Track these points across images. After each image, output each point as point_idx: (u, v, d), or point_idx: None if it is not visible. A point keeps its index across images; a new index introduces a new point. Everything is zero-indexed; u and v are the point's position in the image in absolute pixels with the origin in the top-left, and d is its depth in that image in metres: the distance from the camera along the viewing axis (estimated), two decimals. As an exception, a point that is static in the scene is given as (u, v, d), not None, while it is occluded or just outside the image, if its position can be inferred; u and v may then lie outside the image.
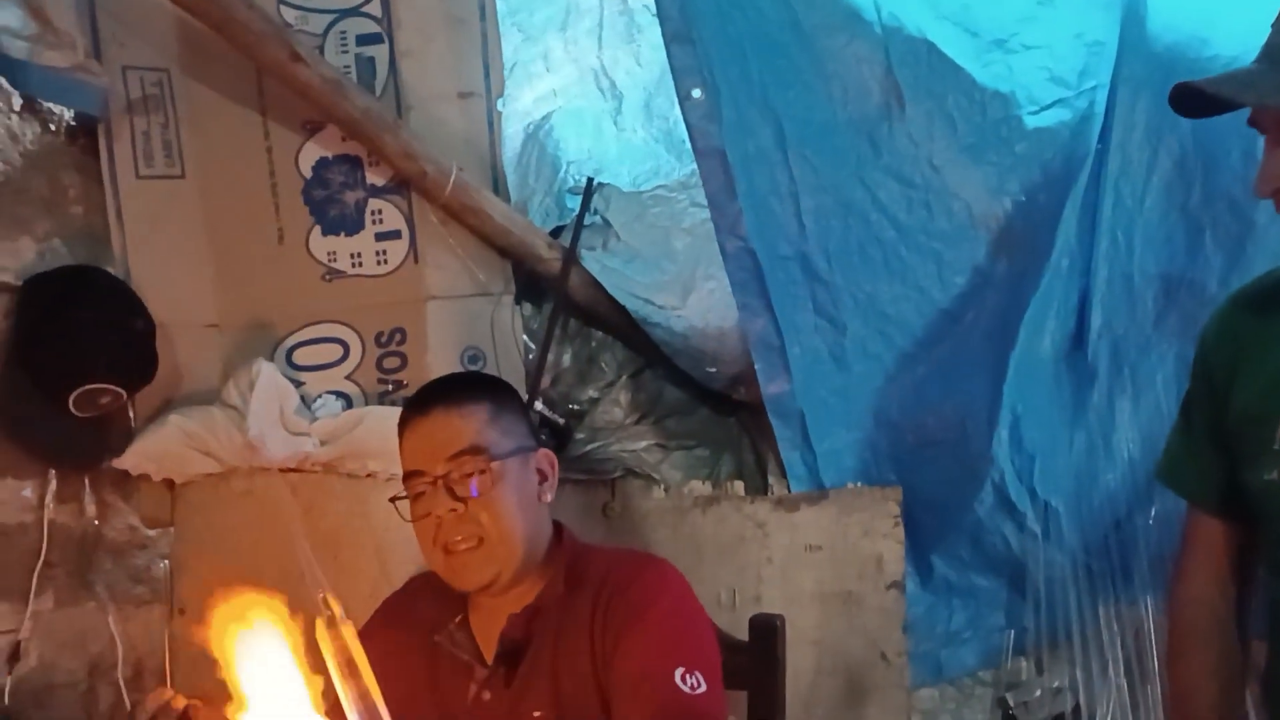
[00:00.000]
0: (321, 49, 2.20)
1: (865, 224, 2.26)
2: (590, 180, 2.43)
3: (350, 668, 1.06)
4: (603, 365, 2.44)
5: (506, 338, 2.31)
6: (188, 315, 2.21)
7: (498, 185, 2.32)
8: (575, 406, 2.40)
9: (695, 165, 2.23)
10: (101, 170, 2.14)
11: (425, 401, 1.45)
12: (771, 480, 2.35)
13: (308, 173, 2.25)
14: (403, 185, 2.25)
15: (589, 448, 2.36)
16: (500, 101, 2.34)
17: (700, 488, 2.32)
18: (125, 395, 2.04)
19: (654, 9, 2.16)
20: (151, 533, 2.21)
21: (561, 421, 2.36)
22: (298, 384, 2.20)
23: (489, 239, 2.29)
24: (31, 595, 2.03)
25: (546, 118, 2.57)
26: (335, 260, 2.25)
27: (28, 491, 2.05)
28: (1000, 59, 2.28)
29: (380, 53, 2.24)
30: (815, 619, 2.22)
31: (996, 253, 2.30)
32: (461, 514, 1.38)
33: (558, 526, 1.50)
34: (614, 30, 2.61)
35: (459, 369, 2.22)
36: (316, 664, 1.07)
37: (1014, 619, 2.38)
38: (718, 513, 2.28)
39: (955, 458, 2.27)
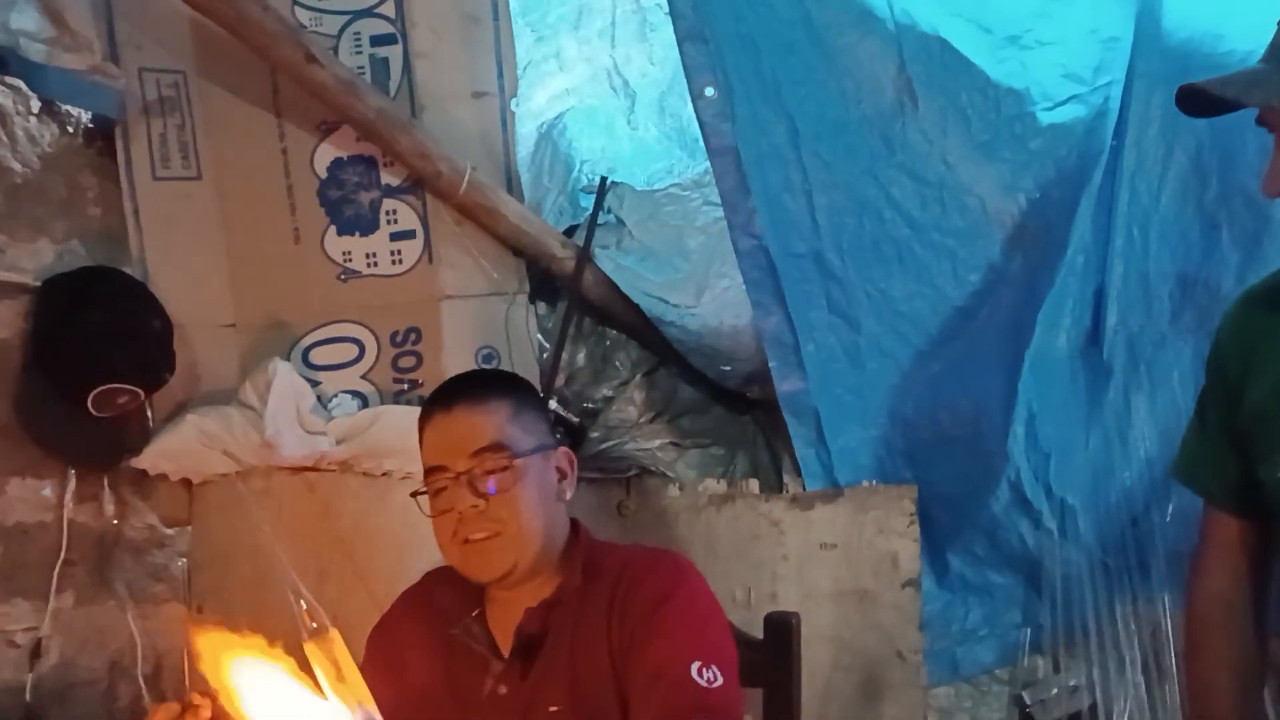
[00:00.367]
0: (336, 50, 2.21)
1: (879, 221, 2.26)
2: (604, 179, 2.43)
3: (341, 676, 1.05)
4: (617, 364, 2.44)
5: (521, 336, 2.32)
6: (205, 315, 2.22)
7: (511, 185, 2.33)
8: (590, 405, 2.41)
9: (709, 164, 2.23)
10: (119, 172, 2.16)
11: (449, 397, 1.45)
12: (786, 478, 2.35)
13: (323, 173, 2.26)
14: (417, 185, 2.26)
15: (604, 446, 2.36)
16: (514, 101, 2.34)
17: (715, 486, 2.33)
18: (143, 395, 2.06)
19: (667, 8, 2.17)
20: (170, 531, 2.22)
21: (576, 420, 2.37)
22: (314, 383, 2.21)
23: (503, 238, 2.30)
24: (52, 593, 2.05)
25: (560, 117, 2.58)
26: (350, 260, 2.27)
27: (48, 491, 2.07)
28: (1014, 55, 2.27)
29: (394, 53, 2.25)
30: (831, 617, 2.22)
31: (1011, 249, 2.29)
32: (483, 510, 1.39)
33: (574, 523, 1.50)
34: (627, 29, 2.62)
35: (474, 368, 2.23)
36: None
37: (1030, 617, 2.37)
38: (733, 511, 2.28)
39: (970, 455, 2.26)
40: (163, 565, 2.22)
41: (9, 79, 2.01)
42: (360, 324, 2.27)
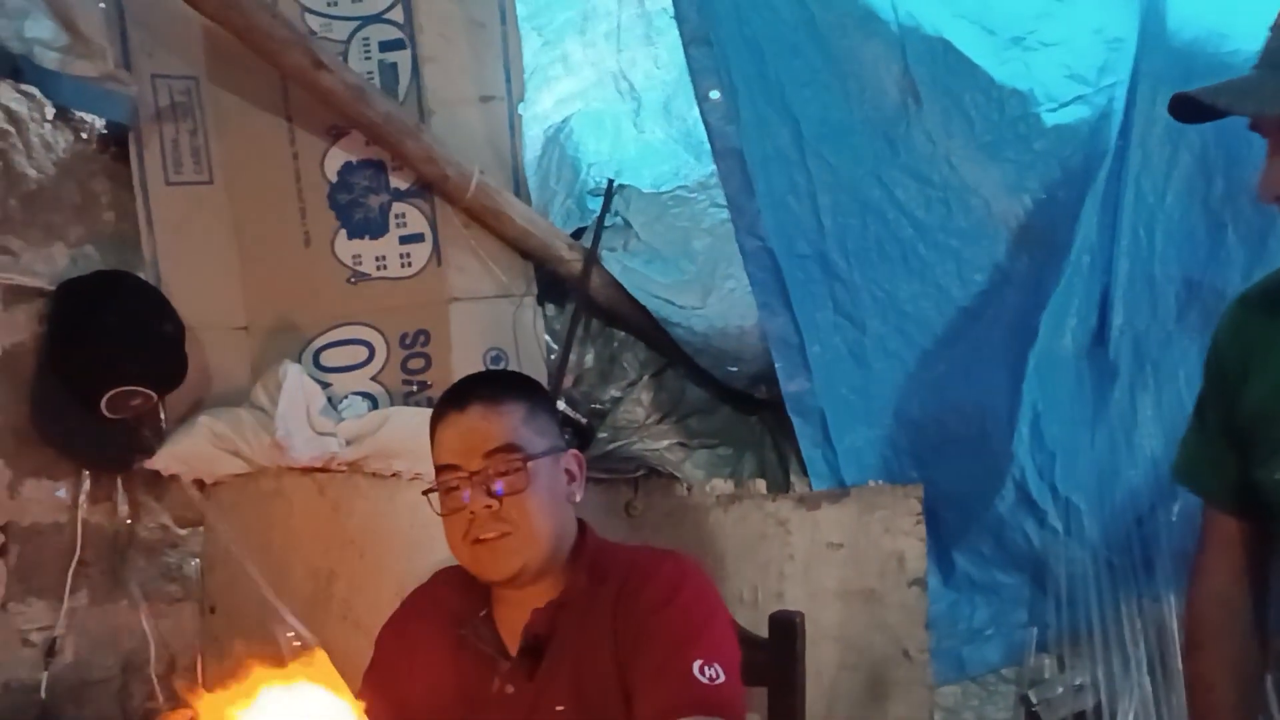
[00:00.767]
0: (345, 55, 2.23)
1: (883, 222, 2.26)
2: (610, 182, 2.44)
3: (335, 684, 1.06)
4: (624, 365, 2.46)
5: (529, 338, 2.34)
6: (217, 318, 2.25)
7: (519, 188, 2.35)
8: (597, 406, 2.42)
9: (714, 166, 2.24)
10: (132, 177, 2.18)
11: (463, 397, 1.46)
12: (793, 478, 2.36)
13: (333, 177, 2.28)
14: (425, 189, 2.28)
15: (611, 447, 2.38)
16: (521, 105, 2.36)
17: (722, 486, 2.33)
18: (156, 397, 2.08)
19: (672, 11, 2.18)
20: (183, 532, 2.25)
21: (584, 421, 2.38)
22: (324, 385, 2.23)
23: (511, 241, 2.31)
24: (67, 593, 2.07)
25: (566, 120, 2.59)
26: (360, 263, 2.29)
27: (62, 492, 2.10)
28: (1018, 56, 2.27)
29: (402, 58, 2.27)
30: (837, 616, 2.23)
31: (1016, 250, 2.29)
32: (495, 510, 1.40)
33: (581, 525, 1.51)
34: (632, 33, 2.62)
35: (482, 370, 2.24)
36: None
37: (1036, 616, 2.37)
38: (740, 511, 2.29)
39: (976, 455, 2.26)
40: (176, 565, 2.25)
41: (24, 86, 2.03)
42: (370, 326, 2.29)
